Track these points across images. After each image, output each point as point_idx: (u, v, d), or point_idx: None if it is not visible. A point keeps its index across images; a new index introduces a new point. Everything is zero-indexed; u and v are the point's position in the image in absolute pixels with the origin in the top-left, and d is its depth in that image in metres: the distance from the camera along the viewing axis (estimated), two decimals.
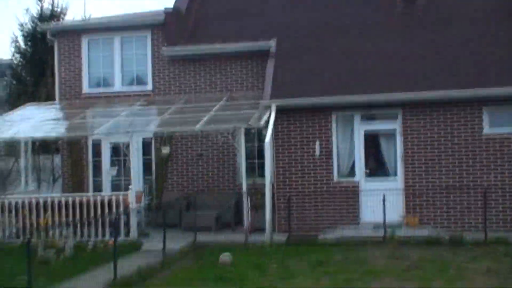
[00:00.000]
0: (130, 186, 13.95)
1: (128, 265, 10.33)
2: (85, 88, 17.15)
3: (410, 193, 13.61)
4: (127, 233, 13.67)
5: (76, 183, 16.59)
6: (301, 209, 14.00)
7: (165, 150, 15.98)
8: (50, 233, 12.94)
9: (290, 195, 13.92)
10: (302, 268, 10.31)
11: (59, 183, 18.23)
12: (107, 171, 15.42)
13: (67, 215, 13.65)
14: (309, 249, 12.01)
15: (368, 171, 14.10)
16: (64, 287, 9.02)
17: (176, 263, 11.38)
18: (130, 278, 9.79)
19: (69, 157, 16.89)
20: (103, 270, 9.81)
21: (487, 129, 13.42)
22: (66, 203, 13.66)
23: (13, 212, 13.81)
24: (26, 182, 16.61)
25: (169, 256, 11.60)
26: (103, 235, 13.60)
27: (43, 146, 19.44)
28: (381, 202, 12.84)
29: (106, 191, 15.68)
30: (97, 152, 16.64)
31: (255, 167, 16.09)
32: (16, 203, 13.85)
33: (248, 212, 13.90)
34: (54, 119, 15.99)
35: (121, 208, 13.45)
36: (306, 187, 14.04)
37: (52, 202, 13.70)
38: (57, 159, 19.55)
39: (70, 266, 10.92)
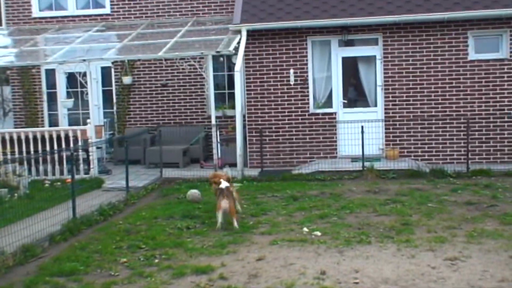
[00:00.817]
0: (88, 120, 13.76)
1: (88, 204, 10.31)
2: (35, 12, 16.57)
3: (390, 124, 13.71)
4: (87, 171, 13.60)
5: (29, 117, 16.31)
6: (275, 143, 14.03)
7: (127, 80, 15.72)
8: (2, 170, 12.76)
9: (262, 127, 13.91)
10: (274, 204, 10.43)
11: (10, 117, 17.87)
12: (62, 103, 15.13)
13: (20, 152, 13.48)
14: (283, 185, 12.14)
15: (346, 101, 14.10)
16: (19, 227, 8.94)
17: (141, 200, 11.42)
18: (90, 216, 9.79)
19: (20, 88, 16.50)
20: (61, 209, 9.74)
21: (472, 55, 13.44)
22: (19, 138, 13.44)
23: None
24: None
25: (133, 193, 11.62)
26: (61, 172, 13.52)
27: None
28: (360, 134, 12.93)
29: (63, 126, 15.46)
30: (51, 83, 16.28)
31: (225, 97, 16.01)
32: None
33: (217, 146, 13.91)
34: (1, 47, 15.48)
35: (80, 143, 13.30)
36: (280, 118, 14.02)
37: (3, 138, 13.46)
38: (7, 91, 19.12)
39: (25, 205, 10.82)
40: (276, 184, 12.23)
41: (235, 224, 8.79)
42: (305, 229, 8.58)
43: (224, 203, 8.76)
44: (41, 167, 13.53)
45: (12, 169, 12.83)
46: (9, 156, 13.29)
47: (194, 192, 10.93)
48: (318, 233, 8.32)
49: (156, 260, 7.47)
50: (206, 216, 9.61)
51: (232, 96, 15.26)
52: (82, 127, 13.84)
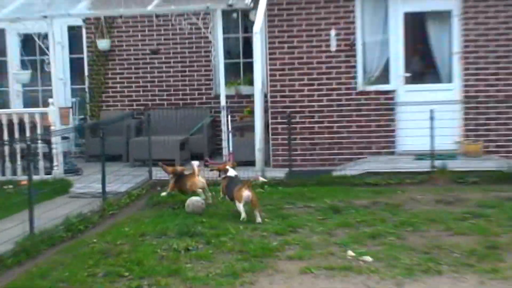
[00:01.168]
0: (51, 100, 13.89)
1: (51, 214, 10.39)
2: None
3: (471, 108, 13.67)
4: (49, 170, 13.75)
5: None
6: (308, 133, 14.07)
7: (103, 44, 15.83)
8: None
9: (291, 111, 13.93)
10: (307, 218, 10.47)
11: None
12: (15, 77, 15.29)
13: None
14: (319, 191, 12.16)
15: (409, 75, 14.05)
16: None
17: (122, 211, 11.55)
18: (54, 232, 9.91)
19: None
20: (14, 222, 9.86)
21: None
22: None
23: None
24: None
25: (112, 201, 11.76)
26: (13, 172, 13.68)
27: None
28: (428, 121, 12.89)
29: (16, 108, 15.62)
30: (0, 48, 16.46)
31: (240, 69, 16.04)
32: None
33: (228, 136, 13.94)
34: None
35: (39, 132, 13.45)
36: (316, 99, 14.04)
37: None
38: None
39: None
40: (310, 190, 12.25)
41: (259, 219, 10.07)
42: (350, 252, 8.59)
43: (246, 193, 9.98)
44: None
45: None
46: None
47: (195, 201, 10.99)
48: (369, 259, 8.32)
49: None
50: (212, 233, 9.65)
51: (248, 67, 15.24)
52: (42, 109, 13.98)
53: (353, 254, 8.56)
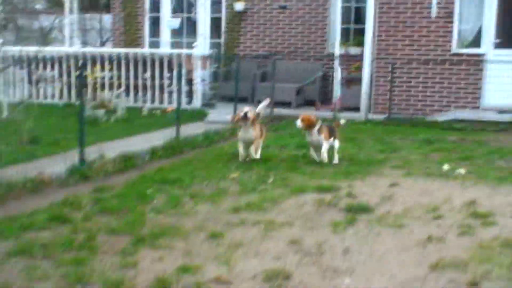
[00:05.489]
0: (194, 44, 13.90)
1: (191, 131, 10.42)
2: None
3: None
4: (189, 102, 13.79)
5: (128, 43, 16.68)
6: (406, 86, 13.59)
7: (239, 5, 15.71)
8: (98, 92, 13.18)
9: (393, 67, 13.48)
10: (405, 144, 10.14)
11: (107, 47, 18.43)
12: (168, 23, 15.34)
13: (119, 76, 13.84)
14: (413, 130, 11.77)
15: (499, 40, 13.34)
16: (117, 144, 9.20)
17: None
18: (194, 139, 9.97)
19: (121, 11, 16.91)
20: (162, 133, 9.94)
21: None
22: (118, 57, 13.78)
23: (56, 67, 14.13)
24: (71, 40, 16.85)
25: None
26: (161, 101, 13.79)
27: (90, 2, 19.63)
28: None
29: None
30: (155, 6, 16.57)
31: (349, 33, 15.65)
32: (59, 57, 14.11)
33: (338, 85, 13.70)
34: None
35: (184, 71, 13.48)
36: (415, 58, 13.53)
37: (102, 57, 13.85)
38: (106, 20, 19.79)
39: (121, 128, 11.14)
40: (406, 129, 11.87)
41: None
42: (446, 166, 8.21)
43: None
44: (140, 94, 13.85)
45: (109, 91, 13.27)
46: (106, 78, 13.70)
47: None
48: (462, 171, 7.92)
49: (270, 179, 7.40)
50: None
51: (357, 32, 14.94)
52: (188, 50, 13.99)
53: (448, 167, 8.17)
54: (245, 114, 8.43)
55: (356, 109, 13.42)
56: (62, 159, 7.71)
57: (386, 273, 4.50)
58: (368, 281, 4.37)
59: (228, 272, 4.47)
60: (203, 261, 4.66)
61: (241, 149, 8.60)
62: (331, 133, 8.50)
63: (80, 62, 13.10)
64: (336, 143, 8.59)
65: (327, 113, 13.07)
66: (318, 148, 8.49)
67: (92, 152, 7.87)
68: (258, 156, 8.61)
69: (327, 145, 8.40)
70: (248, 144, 8.57)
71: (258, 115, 8.77)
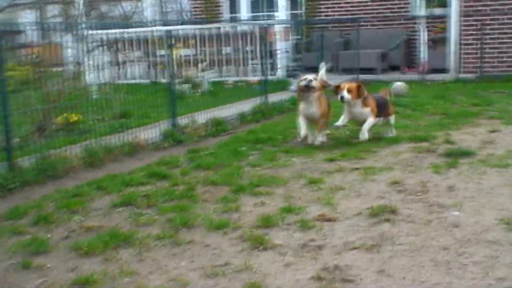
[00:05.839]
0: (276, 14, 13.83)
1: (277, 99, 10.40)
2: None
3: None
4: (273, 73, 13.75)
5: (208, 20, 16.79)
6: (497, 43, 13.09)
7: None
8: (183, 68, 13.33)
9: (481, 24, 13.01)
10: (499, 98, 9.83)
11: None
12: None
13: (202, 53, 13.95)
14: (506, 85, 11.32)
15: None
16: (205, 114, 9.29)
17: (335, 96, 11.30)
18: (282, 104, 9.96)
19: None
20: (246, 103, 9.96)
21: None
22: (200, 34, 13.88)
23: (140, 46, 14.37)
24: (153, 21, 17.10)
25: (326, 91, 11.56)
26: (244, 74, 13.81)
27: None
28: None
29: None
30: None
31: None
32: (143, 37, 14.35)
33: (424, 47, 13.38)
34: None
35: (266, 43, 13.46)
36: (505, 12, 13.00)
37: (184, 35, 13.99)
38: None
39: (208, 101, 11.22)
40: (499, 85, 11.44)
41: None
42: None
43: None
44: (223, 68, 13.93)
45: (193, 66, 13.41)
46: (190, 54, 13.84)
47: (399, 84, 10.58)
48: None
49: None
50: (416, 104, 9.28)
51: None
52: (270, 21, 13.95)
53: None
54: (308, 82, 6.72)
55: (443, 70, 13.13)
56: (154, 128, 7.84)
57: (496, 206, 4.35)
58: (478, 213, 4.23)
59: (332, 211, 4.42)
60: (305, 203, 4.63)
61: (303, 128, 6.76)
62: (382, 108, 6.84)
63: (164, 41, 13.27)
64: (392, 119, 7.07)
65: (414, 76, 12.86)
66: (362, 123, 6.76)
67: (182, 122, 7.97)
68: (319, 141, 6.81)
69: (373, 121, 6.70)
70: (312, 121, 6.86)
71: (325, 84, 7.00)
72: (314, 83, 6.73)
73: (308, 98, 6.76)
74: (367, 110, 6.66)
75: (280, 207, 4.53)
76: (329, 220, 4.22)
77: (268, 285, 3.29)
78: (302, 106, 6.87)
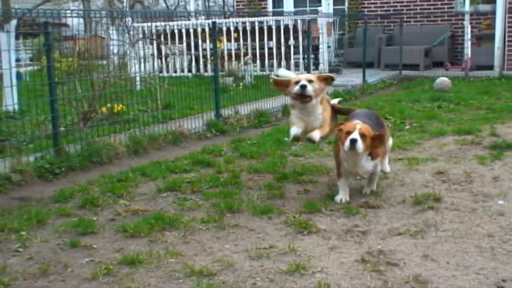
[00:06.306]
0: (319, 8, 13.82)
1: None
2: None
3: None
4: (316, 68, 13.74)
5: (252, 14, 16.84)
6: None
7: None
8: (226, 61, 13.41)
9: None
10: None
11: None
12: None
13: (245, 47, 14.00)
14: None
15: None
16: (248, 106, 9.34)
17: (378, 91, 11.33)
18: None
19: None
20: (288, 98, 9.97)
21: None
22: (244, 28, 13.93)
23: (183, 38, 14.50)
24: (196, 14, 17.23)
25: (370, 85, 11.55)
26: (287, 68, 13.81)
27: None
28: None
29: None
30: None
31: None
32: (186, 30, 14.47)
33: (469, 44, 13.23)
34: None
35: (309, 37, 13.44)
36: None
37: (228, 28, 14.06)
38: None
39: (250, 94, 11.27)
40: None
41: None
42: None
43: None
44: (266, 62, 13.96)
45: (235, 60, 13.46)
46: (233, 48, 13.90)
47: (443, 80, 10.50)
48: None
49: (407, 126, 7.27)
50: (459, 100, 9.16)
51: None
52: (313, 15, 13.91)
53: None
54: (303, 90, 4.72)
55: (488, 67, 12.95)
56: (197, 118, 7.92)
57: None
58: None
59: (376, 199, 4.43)
60: (349, 191, 4.63)
61: (294, 128, 4.93)
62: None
63: (208, 34, 13.36)
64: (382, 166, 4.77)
65: (457, 73, 12.74)
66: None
67: (225, 113, 8.04)
68: (317, 136, 4.82)
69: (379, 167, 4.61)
70: (307, 128, 4.91)
71: (325, 84, 5.03)
72: (311, 89, 4.76)
73: (306, 110, 4.87)
74: (376, 161, 4.49)
75: (324, 194, 4.55)
76: (373, 207, 4.24)
77: (313, 267, 3.32)
78: (294, 113, 5.03)
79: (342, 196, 4.42)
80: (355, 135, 4.22)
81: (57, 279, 3.33)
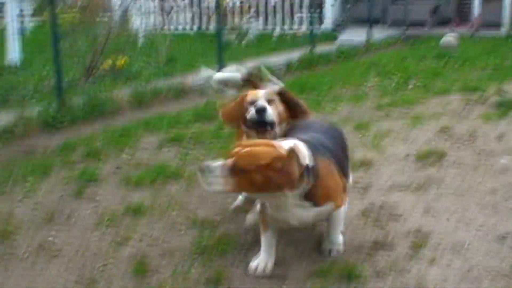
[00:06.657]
0: None
1: (323, 49, 10.35)
2: None
3: None
4: (320, 25, 13.65)
5: None
6: None
7: None
8: (229, 16, 13.32)
9: None
10: None
11: None
12: None
13: (248, 3, 13.88)
14: None
15: None
16: (250, 62, 9.29)
17: (382, 48, 11.27)
18: (328, 54, 9.95)
19: None
20: (291, 53, 9.91)
21: None
22: None
23: None
24: None
25: (374, 42, 11.49)
26: (290, 25, 13.73)
27: None
28: None
29: None
30: None
31: None
32: None
33: (478, 1, 13.11)
34: None
35: None
36: None
37: None
38: None
39: (253, 50, 11.23)
40: None
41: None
42: None
43: None
44: (269, 18, 13.86)
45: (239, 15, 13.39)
46: (237, 3, 13.79)
47: (450, 38, 10.41)
48: None
49: (411, 85, 7.25)
50: (465, 58, 9.11)
51: None
52: None
53: None
54: (262, 115, 3.08)
55: (496, 26, 12.80)
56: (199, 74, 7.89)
57: None
58: None
59: (378, 155, 4.45)
60: (351, 147, 4.64)
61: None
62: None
63: None
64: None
65: (464, 31, 12.62)
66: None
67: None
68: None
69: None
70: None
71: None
72: (271, 115, 3.13)
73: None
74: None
75: None
76: (375, 162, 4.26)
77: None
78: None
79: (262, 261, 2.84)
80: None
81: (62, 228, 3.37)
